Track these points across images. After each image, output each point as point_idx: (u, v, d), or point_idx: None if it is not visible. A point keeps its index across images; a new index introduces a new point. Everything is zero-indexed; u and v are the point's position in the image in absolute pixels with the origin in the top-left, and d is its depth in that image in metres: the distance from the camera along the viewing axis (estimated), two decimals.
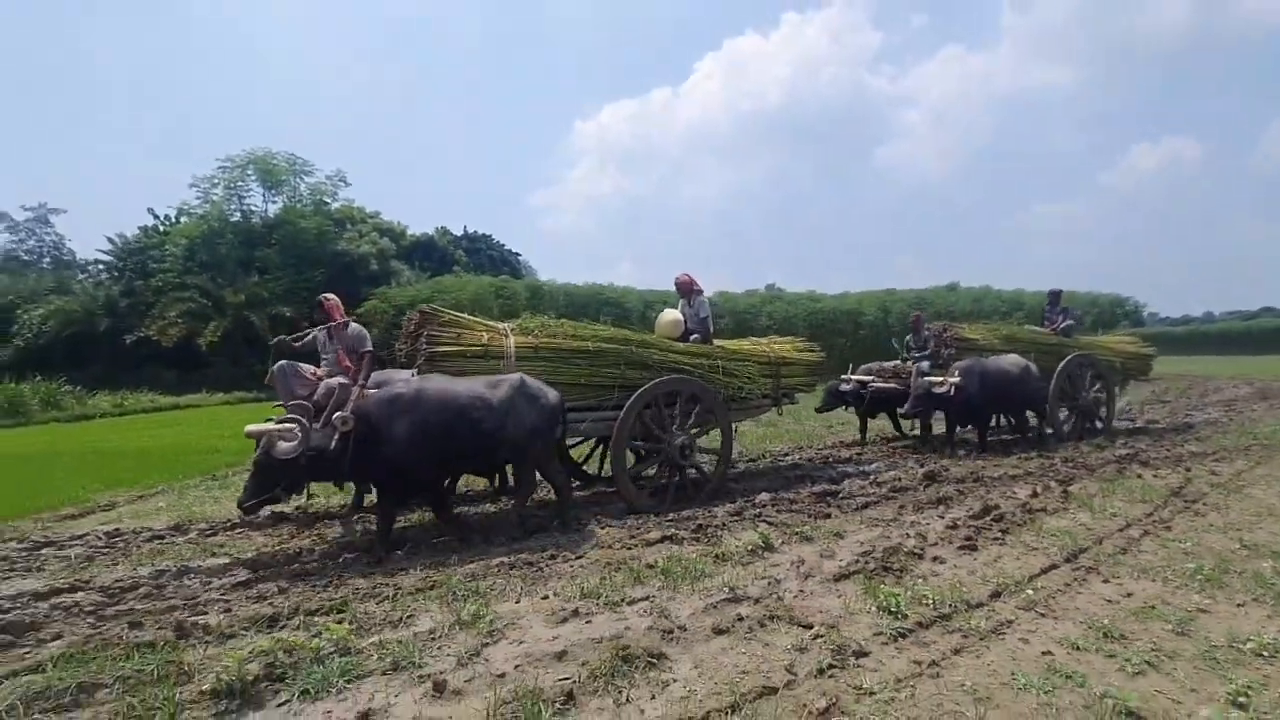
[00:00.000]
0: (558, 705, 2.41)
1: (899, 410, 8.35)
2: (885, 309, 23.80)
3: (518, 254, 48.69)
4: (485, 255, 45.00)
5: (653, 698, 2.49)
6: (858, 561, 3.94)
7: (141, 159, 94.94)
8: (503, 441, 4.68)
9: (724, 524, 4.86)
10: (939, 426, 8.50)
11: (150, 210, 28.57)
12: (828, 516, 5.09)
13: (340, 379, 5.01)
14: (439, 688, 2.57)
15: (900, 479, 6.30)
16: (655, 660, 2.73)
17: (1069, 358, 8.63)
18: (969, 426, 8.34)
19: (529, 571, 3.92)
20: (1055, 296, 10.11)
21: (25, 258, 43.51)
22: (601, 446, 6.72)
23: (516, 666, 2.74)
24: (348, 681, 2.62)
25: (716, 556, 4.08)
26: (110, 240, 28.19)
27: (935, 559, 4.02)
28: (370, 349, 5.39)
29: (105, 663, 2.78)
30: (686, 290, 6.90)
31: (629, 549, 4.33)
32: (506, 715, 2.34)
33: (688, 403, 5.81)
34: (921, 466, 7.00)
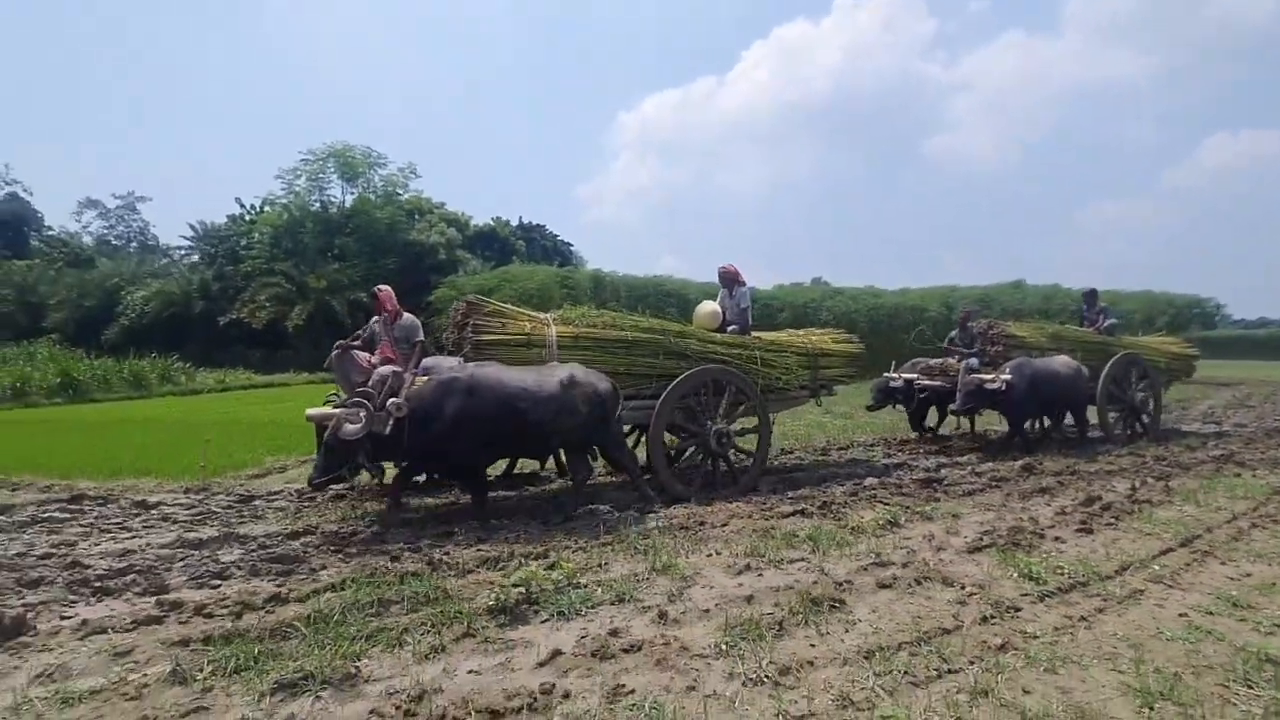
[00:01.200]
0: (772, 633, 2.94)
1: (950, 408, 8.26)
2: (949, 306, 23.65)
3: (570, 244, 49.55)
4: (539, 245, 45.98)
5: (846, 631, 3.00)
6: (983, 538, 4.38)
7: (215, 149, 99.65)
8: (555, 430, 4.90)
9: (845, 503, 5.33)
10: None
11: (237, 200, 30.37)
12: (937, 500, 5.51)
13: (393, 367, 5.15)
14: (663, 616, 3.14)
15: (998, 470, 6.64)
16: (837, 605, 3.25)
17: (1116, 357, 8.59)
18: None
19: (687, 535, 4.48)
20: (1092, 296, 10.01)
21: (115, 243, 46.41)
22: (641, 434, 6.65)
23: (716, 605, 3.30)
24: (589, 608, 3.22)
25: (852, 529, 4.56)
26: (192, 226, 30.17)
27: (1056, 539, 4.42)
28: (421, 339, 5.63)
29: (383, 587, 3.45)
30: (730, 281, 6.99)
31: (767, 520, 4.85)
32: (734, 637, 2.89)
33: (724, 393, 5.96)
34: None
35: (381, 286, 5.92)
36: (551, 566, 3.65)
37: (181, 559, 4.02)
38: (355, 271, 26.74)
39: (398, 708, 2.33)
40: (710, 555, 4.07)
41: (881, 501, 5.39)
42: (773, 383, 6.48)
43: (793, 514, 4.99)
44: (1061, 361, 8.12)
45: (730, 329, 6.77)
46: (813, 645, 2.85)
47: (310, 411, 4.70)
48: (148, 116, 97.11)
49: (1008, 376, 7.52)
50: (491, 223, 42.32)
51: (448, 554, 4.01)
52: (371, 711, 2.32)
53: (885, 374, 9.01)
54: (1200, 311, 26.07)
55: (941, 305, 23.85)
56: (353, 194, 30.13)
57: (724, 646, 2.80)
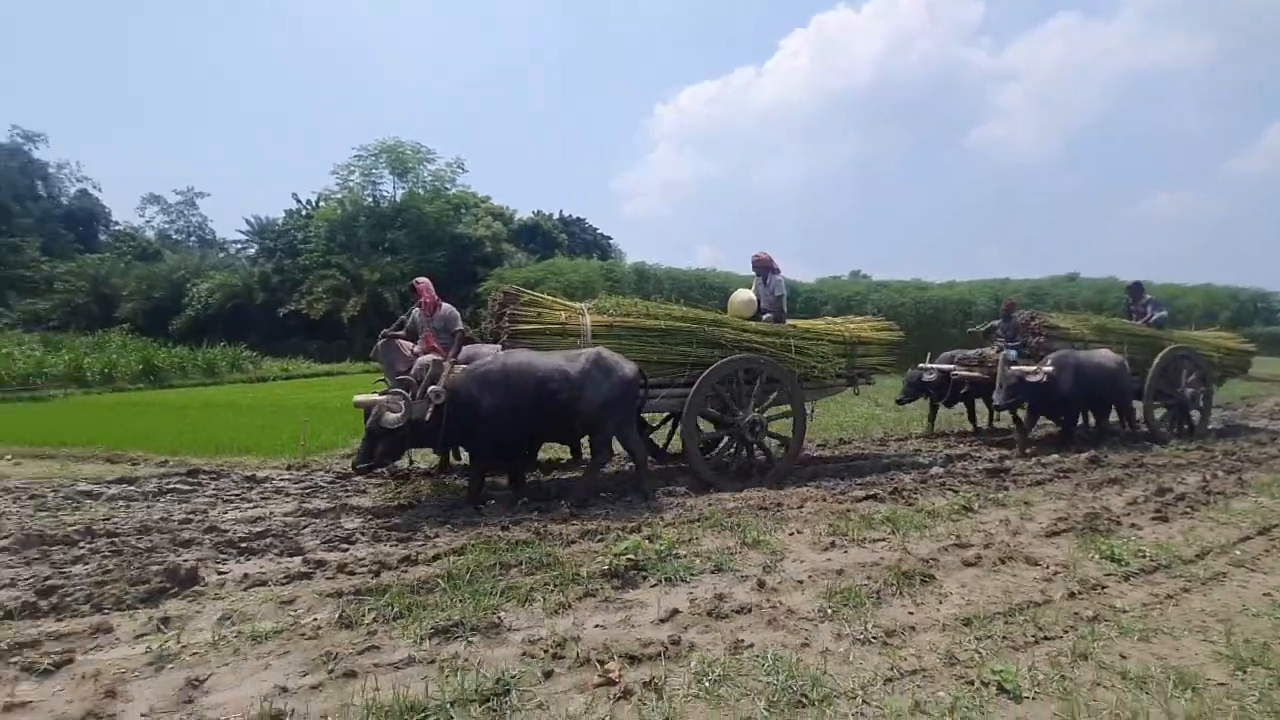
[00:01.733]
0: (870, 601, 3.16)
1: (994, 401, 7.90)
2: (998, 299, 23.20)
3: (609, 238, 49.88)
4: (580, 239, 46.40)
5: (940, 602, 3.19)
6: (1058, 524, 4.49)
7: (264, 144, 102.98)
8: (579, 412, 5.00)
9: (914, 489, 5.48)
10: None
11: (294, 195, 31.52)
12: (1006, 489, 5.61)
13: (433, 355, 5.27)
14: (761, 585, 3.38)
15: (1064, 462, 6.68)
16: (927, 579, 3.44)
17: (1165, 352, 8.28)
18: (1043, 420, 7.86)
19: (767, 514, 4.70)
20: (1137, 289, 9.66)
21: (175, 237, 48.48)
22: (676, 422, 6.68)
23: (809, 576, 3.52)
24: (691, 575, 3.48)
25: (927, 513, 4.72)
26: (247, 221, 31.39)
27: (1132, 525, 4.51)
28: (460, 328, 5.73)
29: (499, 552, 3.76)
30: (764, 269, 6.95)
31: (840, 503, 5.04)
32: (835, 603, 3.11)
33: (760, 381, 5.99)
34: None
35: (420, 279, 6.08)
36: (650, 539, 3.92)
37: (307, 526, 4.42)
38: (406, 264, 27.52)
39: (545, 650, 2.62)
40: (793, 534, 4.29)
41: (951, 489, 5.52)
42: (808, 371, 6.45)
43: (865, 499, 5.16)
44: (1106, 354, 7.87)
45: (765, 317, 6.76)
46: (910, 613, 3.05)
47: (358, 398, 5.00)
48: (199, 113, 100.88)
49: (1049, 369, 7.26)
50: (533, 216, 42.95)
51: (547, 526, 4.32)
52: (523, 654, 2.61)
53: (919, 366, 8.90)
54: (1265, 306, 25.10)
55: (990, 299, 23.41)
56: (402, 189, 31.00)
57: (828, 611, 3.03)
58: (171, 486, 5.56)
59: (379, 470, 5.36)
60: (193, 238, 49.05)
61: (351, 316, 25.39)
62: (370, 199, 30.21)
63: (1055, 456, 6.87)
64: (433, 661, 2.55)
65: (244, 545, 3.97)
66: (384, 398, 4.65)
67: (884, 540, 4.14)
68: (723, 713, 2.22)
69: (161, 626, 2.87)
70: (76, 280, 29.61)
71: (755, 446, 6.08)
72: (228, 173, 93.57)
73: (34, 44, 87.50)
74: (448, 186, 31.62)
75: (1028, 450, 7.38)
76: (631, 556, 3.55)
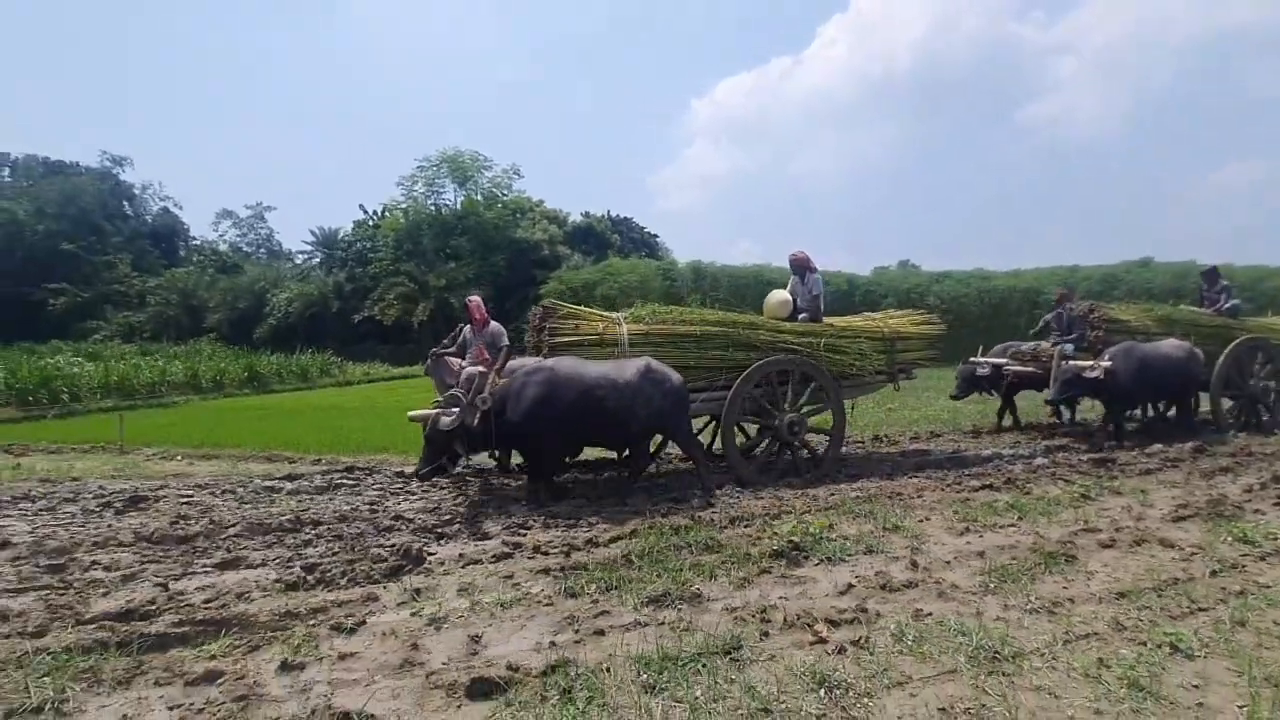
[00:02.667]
0: (1025, 577, 3.49)
1: (1048, 397, 7.78)
2: (1069, 287, 22.70)
3: (656, 236, 50.23)
4: (628, 238, 46.93)
5: (1088, 579, 3.50)
6: (1179, 510, 4.70)
7: (312, 155, 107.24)
8: (630, 420, 5.21)
9: (1026, 479, 5.72)
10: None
11: (361, 206, 32.98)
12: (1115, 478, 5.80)
13: (479, 368, 5.59)
14: (915, 564, 3.74)
15: (1168, 452, 6.79)
16: (1069, 559, 3.75)
17: (1237, 341, 8.02)
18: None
19: (895, 502, 5.04)
20: (1212, 274, 9.32)
21: (246, 249, 51.03)
22: (716, 424, 6.69)
23: (955, 557, 3.86)
24: (847, 555, 3.87)
25: (1049, 500, 4.99)
26: (312, 232, 32.95)
27: (1256, 510, 4.69)
28: (506, 344, 5.98)
29: (665, 535, 4.22)
30: (801, 268, 7.00)
31: (958, 493, 5.34)
32: (993, 579, 3.46)
33: (797, 382, 6.11)
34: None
35: (471, 296, 6.38)
36: (808, 523, 4.32)
37: (482, 514, 4.97)
38: (469, 269, 28.59)
39: (752, 615, 3.06)
40: (923, 520, 4.62)
41: (1062, 479, 5.74)
42: (846, 369, 6.48)
43: (981, 488, 5.45)
44: (1171, 344, 7.63)
45: (801, 316, 6.81)
46: (1064, 588, 3.38)
47: (412, 413, 5.38)
48: (260, 128, 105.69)
49: (1107, 363, 7.09)
50: (585, 218, 43.69)
51: (696, 514, 4.77)
52: (735, 619, 3.05)
53: (971, 360, 8.80)
54: None
55: (1059, 287, 22.90)
56: (461, 196, 32.10)
57: (989, 586, 3.38)
58: (338, 482, 6.24)
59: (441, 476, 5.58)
60: (261, 249, 51.60)
61: (421, 321, 26.53)
62: (433, 207, 31.40)
63: (1159, 446, 6.96)
64: (662, 623, 3.01)
65: (438, 530, 4.54)
66: (437, 410, 5.06)
67: (1013, 525, 4.44)
68: (929, 665, 2.61)
69: (415, 596, 3.43)
70: (167, 294, 31.76)
71: (797, 445, 6.18)
72: (284, 186, 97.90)
73: (105, 69, 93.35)
74: (504, 193, 32.59)
75: (1124, 443, 7.28)
76: (794, 539, 3.96)
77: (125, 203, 44.70)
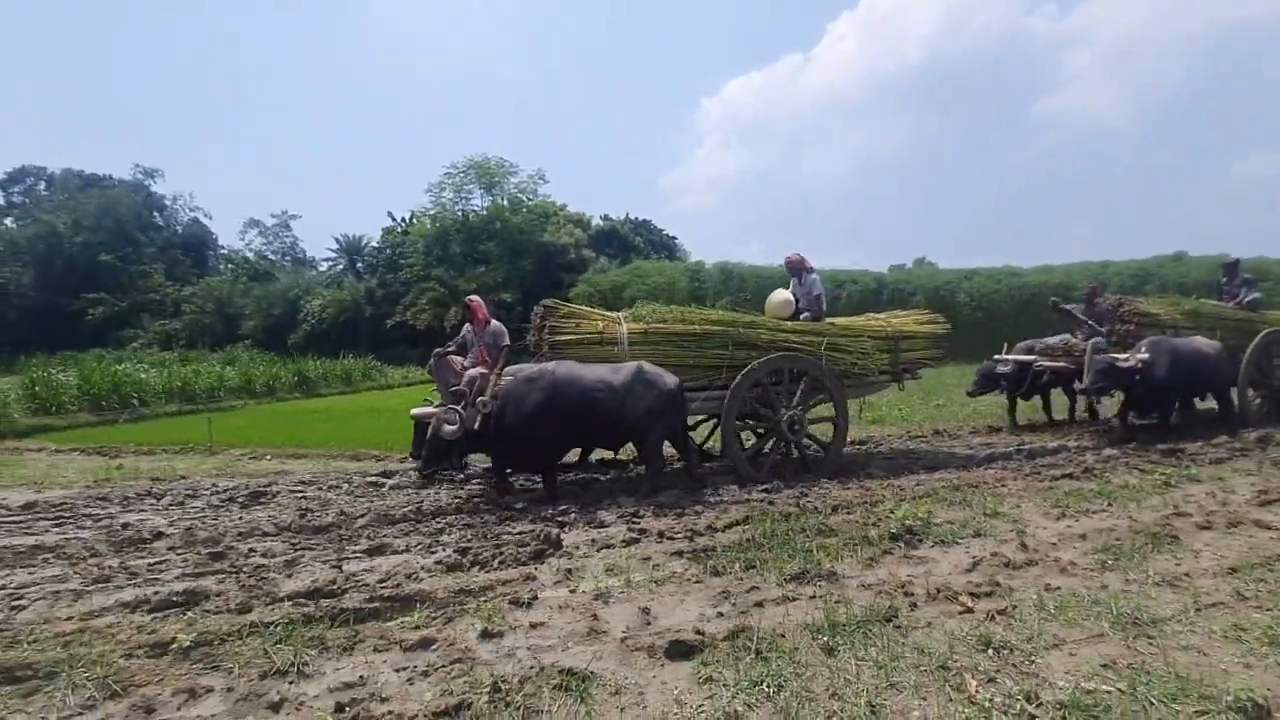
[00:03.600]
0: (1137, 556, 3.72)
1: (1077, 387, 7.67)
2: (1100, 282, 22.67)
3: (674, 237, 50.50)
4: (648, 240, 47.28)
5: (1195, 557, 3.73)
6: (1261, 494, 4.90)
7: (335, 164, 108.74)
8: (621, 422, 5.30)
9: (1101, 469, 5.93)
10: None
11: (389, 213, 33.55)
12: (1188, 468, 5.98)
13: (481, 369, 5.64)
14: (1024, 545, 3.98)
15: (1233, 442, 6.95)
16: (1172, 540, 3.97)
17: (1261, 335, 8.02)
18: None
19: (977, 492, 5.27)
20: (1233, 267, 9.30)
21: (272, 257, 51.89)
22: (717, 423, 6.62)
23: (1059, 539, 4.10)
24: (959, 538, 4.12)
25: (1131, 488, 5.20)
26: (336, 240, 33.54)
27: None
28: (507, 344, 6.02)
29: (774, 522, 4.49)
30: (797, 269, 7.05)
31: (1039, 482, 5.56)
32: (1107, 557, 3.69)
33: (796, 380, 6.14)
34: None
35: (472, 297, 6.41)
36: (912, 509, 4.57)
37: (594, 503, 5.26)
38: (498, 274, 29.01)
39: (894, 589, 3.32)
40: (1015, 506, 4.86)
41: (1138, 468, 5.94)
42: (848, 368, 6.47)
43: (1061, 477, 5.66)
44: (1203, 340, 7.65)
45: (803, 316, 6.87)
46: (1176, 564, 3.61)
47: (414, 411, 5.47)
48: (281, 138, 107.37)
49: (1144, 355, 7.13)
50: (608, 221, 44.06)
51: (800, 501, 5.03)
52: (876, 593, 3.31)
53: (993, 357, 8.84)
54: None
55: (1090, 281, 22.86)
56: (488, 202, 32.56)
57: (1106, 563, 3.62)
58: (438, 477, 6.55)
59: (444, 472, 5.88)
60: (287, 257, 52.48)
61: (452, 325, 26.93)
62: (460, 213, 31.89)
63: (1224, 437, 7.12)
64: (813, 597, 3.28)
65: (558, 519, 4.83)
66: (440, 410, 5.22)
67: (1105, 511, 4.67)
68: (1077, 630, 2.86)
69: (568, 576, 3.72)
70: (203, 302, 32.49)
71: (798, 442, 6.23)
72: (304, 196, 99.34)
73: (133, 84, 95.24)
74: (530, 198, 33.01)
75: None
76: (906, 523, 4.22)
77: (157, 214, 45.68)
